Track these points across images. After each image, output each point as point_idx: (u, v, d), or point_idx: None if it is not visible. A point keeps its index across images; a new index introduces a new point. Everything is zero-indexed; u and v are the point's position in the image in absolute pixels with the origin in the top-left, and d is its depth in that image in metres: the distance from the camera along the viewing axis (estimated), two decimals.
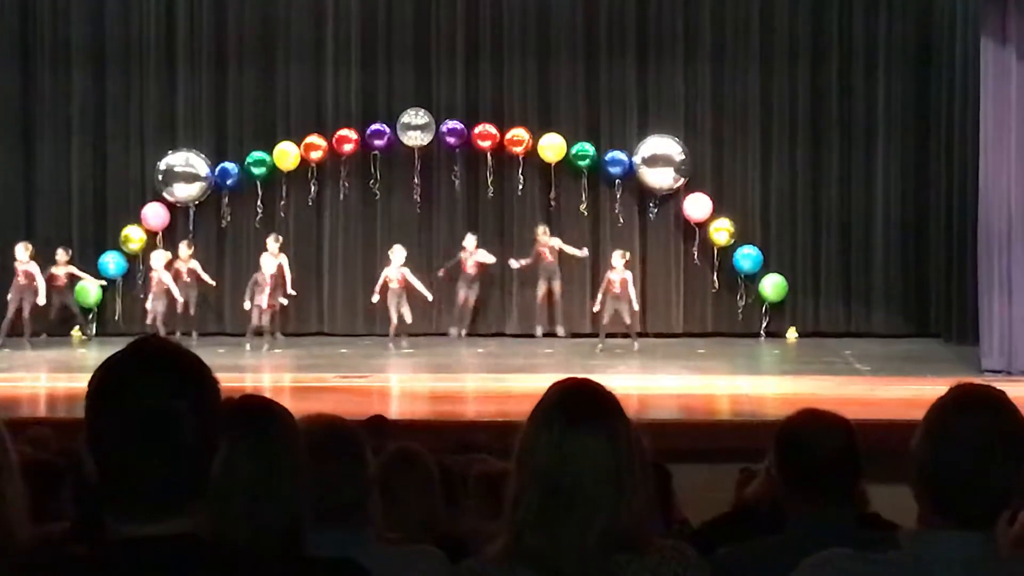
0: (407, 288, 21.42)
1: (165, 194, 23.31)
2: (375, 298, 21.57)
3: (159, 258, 22.18)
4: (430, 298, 21.89)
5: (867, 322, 22.84)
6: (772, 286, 22.68)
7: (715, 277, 22.85)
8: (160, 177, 23.27)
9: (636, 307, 21.22)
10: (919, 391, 14.61)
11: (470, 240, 22.08)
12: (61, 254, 22.19)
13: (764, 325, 22.81)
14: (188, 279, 22.13)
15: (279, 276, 21.79)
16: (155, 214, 23.27)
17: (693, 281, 22.56)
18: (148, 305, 22.02)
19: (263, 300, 21.39)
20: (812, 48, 22.98)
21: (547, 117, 23.19)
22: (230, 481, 3.08)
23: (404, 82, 23.37)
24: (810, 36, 22.96)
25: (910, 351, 20.56)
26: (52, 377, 18.13)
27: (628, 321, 20.99)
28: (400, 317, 21.39)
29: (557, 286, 22.16)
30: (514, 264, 22.28)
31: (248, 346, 21.19)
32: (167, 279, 21.96)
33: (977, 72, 18.68)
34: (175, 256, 22.27)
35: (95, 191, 23.69)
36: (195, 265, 22.30)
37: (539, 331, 22.30)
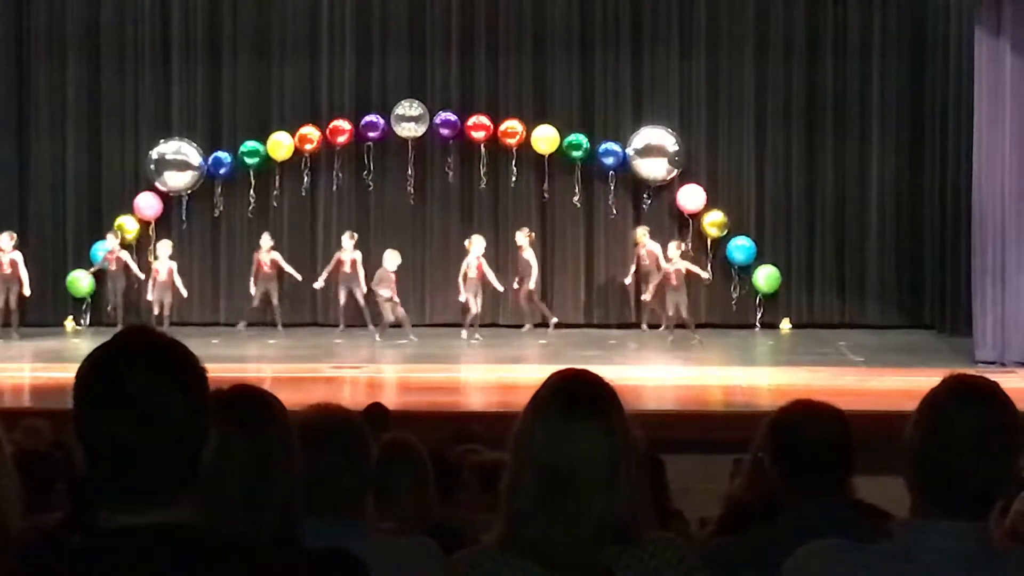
0: (483, 278, 21.36)
1: (157, 183, 23.29)
2: (462, 296, 21.54)
3: (165, 248, 22.16)
4: (500, 289, 21.74)
5: (861, 313, 22.84)
6: (766, 277, 22.69)
7: (709, 268, 22.82)
8: (152, 167, 23.26)
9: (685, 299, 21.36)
10: (912, 382, 14.58)
11: (477, 244, 21.65)
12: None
13: (758, 316, 22.82)
14: (269, 270, 22.08)
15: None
16: (148, 204, 23.26)
17: (687, 272, 22.50)
18: (150, 296, 22.02)
19: (392, 292, 21.39)
20: (807, 39, 22.95)
21: (541, 109, 23.17)
22: (223, 471, 3.09)
23: (398, 73, 23.37)
24: (804, 27, 22.93)
25: (904, 342, 20.57)
26: (45, 367, 18.09)
27: (684, 314, 21.01)
28: (476, 307, 21.32)
29: (653, 287, 22.03)
30: (628, 280, 22.25)
31: (378, 336, 21.30)
32: (175, 270, 21.99)
33: (971, 64, 18.69)
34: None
35: (89, 181, 23.68)
36: (277, 256, 22.24)
37: (644, 325, 22.31)
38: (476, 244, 21.49)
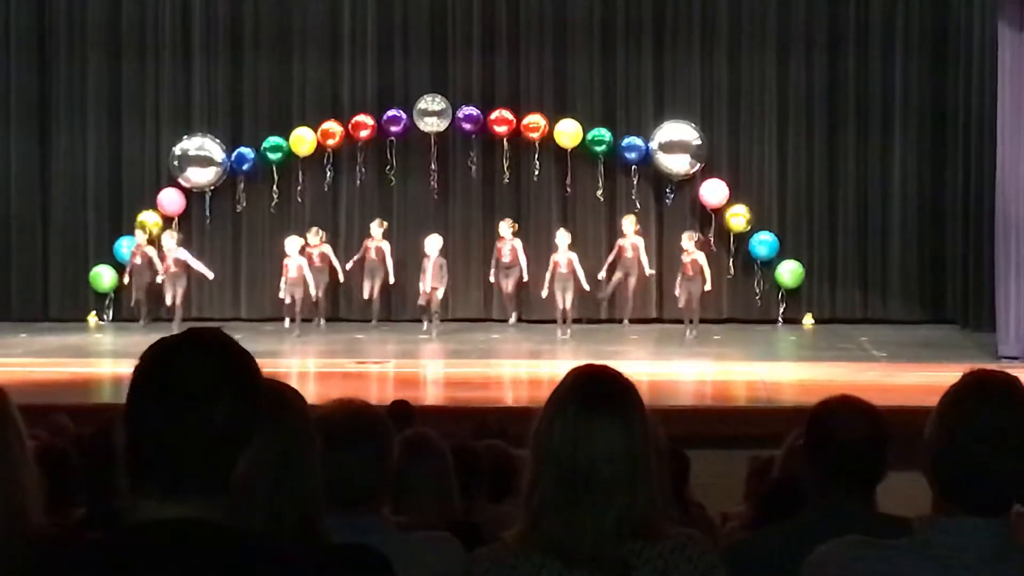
0: (572, 274, 21.25)
1: (180, 179, 23.34)
2: (544, 291, 21.46)
3: (170, 240, 22.12)
4: (587, 288, 21.58)
5: (883, 308, 22.81)
6: (788, 272, 22.67)
7: (731, 263, 22.83)
8: (175, 163, 23.30)
9: (708, 287, 21.32)
10: (935, 378, 14.54)
11: (562, 238, 21.56)
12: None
13: (780, 311, 22.79)
14: (320, 263, 21.90)
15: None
16: (171, 199, 23.30)
17: (709, 267, 22.37)
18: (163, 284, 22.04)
19: (427, 285, 21.45)
20: (829, 34, 22.92)
21: (563, 103, 23.16)
22: (246, 466, 3.09)
23: (420, 68, 23.38)
24: (827, 22, 22.90)
25: (926, 337, 20.53)
26: (68, 363, 18.12)
27: (694, 305, 21.02)
28: (564, 303, 21.23)
29: (632, 281, 21.98)
30: (602, 275, 22.14)
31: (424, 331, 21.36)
32: (186, 259, 21.98)
33: (994, 58, 18.64)
34: (308, 240, 22.10)
35: (111, 176, 23.75)
36: (327, 250, 22.15)
37: (625, 322, 22.26)
38: (562, 239, 21.40)
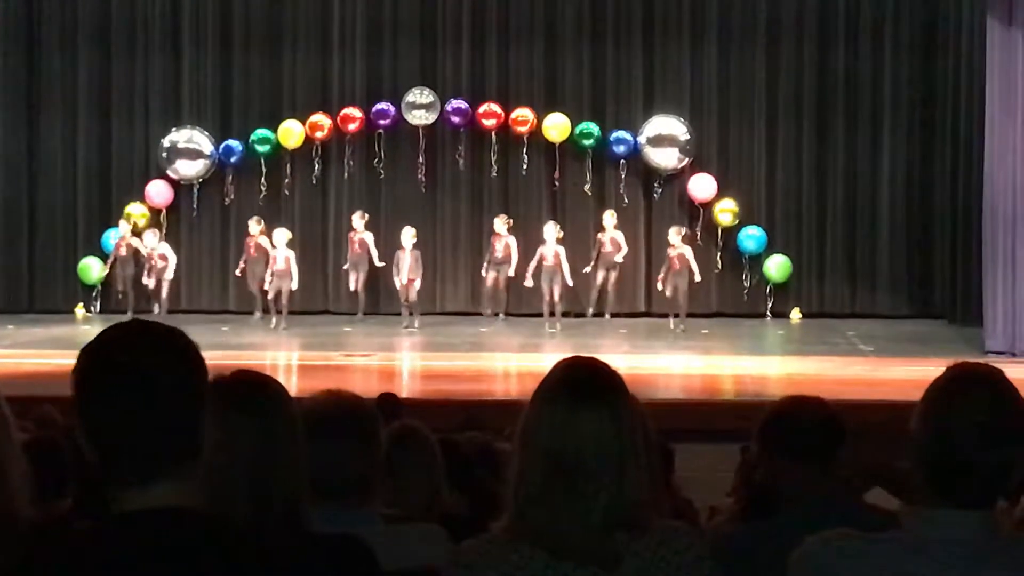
0: (559, 267, 21.23)
1: (168, 171, 23.32)
2: (528, 282, 21.39)
3: (152, 237, 22.02)
4: (571, 283, 21.50)
5: (871, 303, 22.84)
6: (776, 267, 22.69)
7: (719, 257, 22.83)
8: (164, 155, 23.28)
9: (698, 279, 21.30)
10: (922, 372, 14.49)
11: (549, 231, 21.58)
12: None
13: (769, 306, 22.81)
14: (256, 254, 21.81)
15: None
16: (159, 191, 23.29)
17: (697, 261, 22.32)
18: (144, 280, 21.96)
19: (404, 277, 21.35)
20: (818, 29, 22.94)
21: (552, 97, 23.17)
22: (229, 456, 3.08)
23: (409, 61, 23.37)
24: (816, 16, 22.92)
25: (914, 332, 20.56)
26: (56, 354, 18.08)
27: (680, 299, 21.01)
28: (551, 296, 21.26)
29: (613, 276, 22.00)
30: (588, 269, 22.10)
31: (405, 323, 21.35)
32: (167, 255, 21.91)
33: (983, 53, 18.66)
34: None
35: (100, 168, 23.73)
36: (264, 241, 21.88)
37: (607, 316, 22.25)
38: (549, 232, 21.37)
